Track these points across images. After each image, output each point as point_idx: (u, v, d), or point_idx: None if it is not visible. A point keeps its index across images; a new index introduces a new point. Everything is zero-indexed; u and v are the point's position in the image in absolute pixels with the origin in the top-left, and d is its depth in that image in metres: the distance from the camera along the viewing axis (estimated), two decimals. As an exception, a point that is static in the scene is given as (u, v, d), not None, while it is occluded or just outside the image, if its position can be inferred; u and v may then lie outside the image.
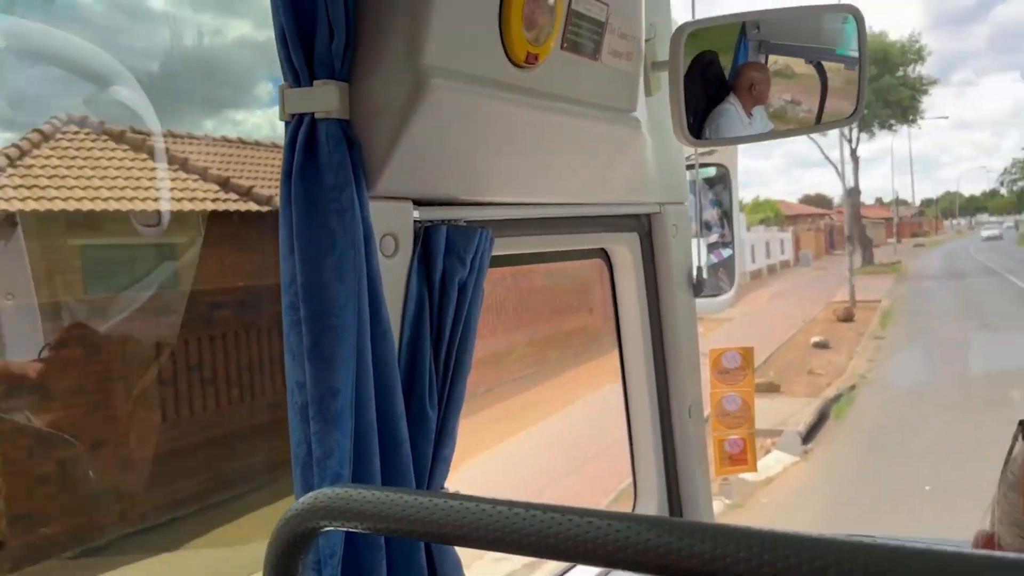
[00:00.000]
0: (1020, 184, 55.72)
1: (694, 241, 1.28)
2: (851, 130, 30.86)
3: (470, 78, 0.73)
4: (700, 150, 1.22)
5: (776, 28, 1.01)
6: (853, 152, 31.72)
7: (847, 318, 15.54)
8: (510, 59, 0.76)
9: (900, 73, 30.58)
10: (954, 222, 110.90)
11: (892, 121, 31.61)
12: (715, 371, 1.22)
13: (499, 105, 0.77)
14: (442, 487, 0.77)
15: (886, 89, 29.90)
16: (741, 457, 1.23)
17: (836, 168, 30.77)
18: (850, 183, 31.04)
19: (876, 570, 0.27)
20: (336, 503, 0.38)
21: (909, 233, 71.77)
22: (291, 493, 0.68)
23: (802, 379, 10.30)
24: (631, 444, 1.16)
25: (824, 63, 1.05)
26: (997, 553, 0.29)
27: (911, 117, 32.22)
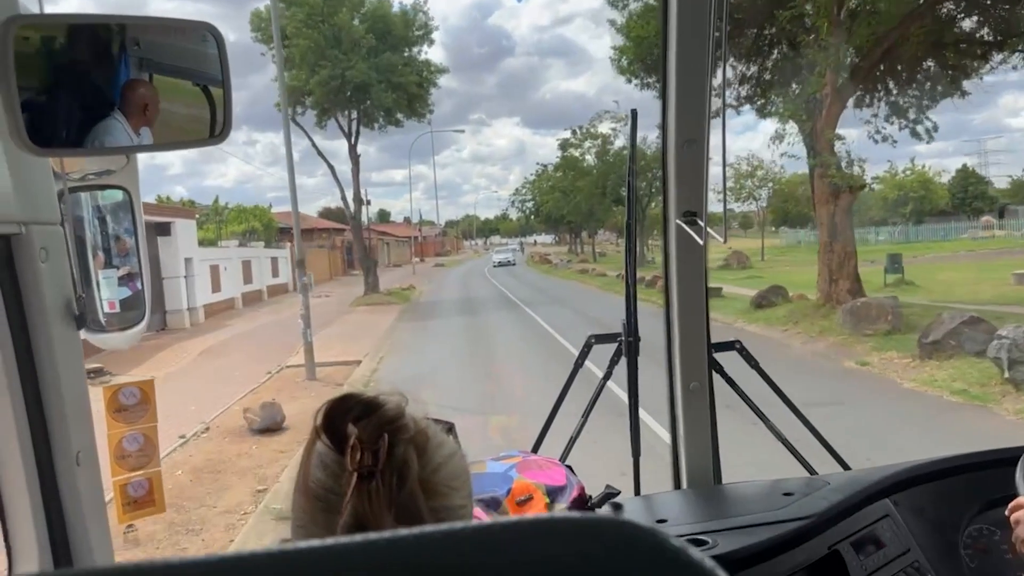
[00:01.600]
0: (528, 205, 71.39)
1: (103, 272, 1.39)
2: (350, 123, 31.92)
3: None
4: (89, 168, 1.35)
5: (148, 42, 1.20)
6: (352, 149, 32.38)
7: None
8: None
9: (407, 53, 31.74)
10: (473, 243, 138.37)
11: (399, 114, 32.31)
12: (111, 409, 1.36)
13: None
14: None
15: (389, 68, 30.61)
16: (148, 499, 1.41)
17: (335, 176, 30.97)
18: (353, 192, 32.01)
19: None
20: None
21: (433, 252, 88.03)
22: None
23: None
24: (1, 510, 1.20)
25: (207, 84, 1.28)
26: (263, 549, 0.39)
27: (420, 110, 32.96)
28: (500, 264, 60.36)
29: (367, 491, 0.77)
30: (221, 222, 37.06)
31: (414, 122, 34.47)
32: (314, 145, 31.75)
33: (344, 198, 32.74)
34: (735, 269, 35.91)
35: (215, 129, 1.35)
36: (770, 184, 47.34)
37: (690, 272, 2.33)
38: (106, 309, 1.43)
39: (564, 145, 52.23)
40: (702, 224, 2.20)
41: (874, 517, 1.96)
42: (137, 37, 1.28)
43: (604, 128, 46.16)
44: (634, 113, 2.85)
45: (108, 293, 1.46)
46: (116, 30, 1.20)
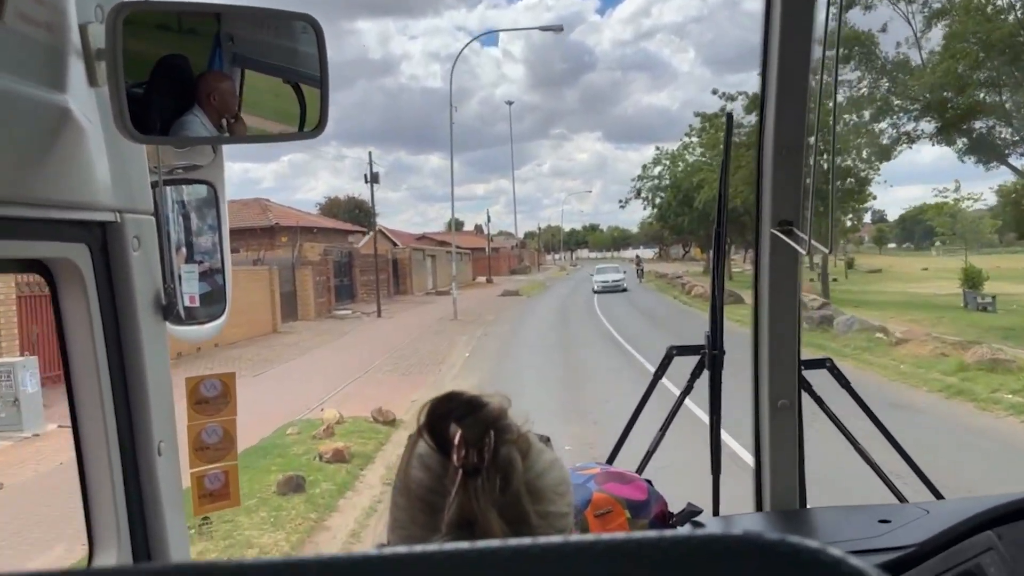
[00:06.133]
0: (661, 194, 58.59)
1: (185, 267, 1.51)
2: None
3: None
4: (177, 162, 1.47)
5: (243, 37, 1.32)
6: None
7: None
8: None
9: None
10: (556, 256, 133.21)
11: None
12: (192, 401, 1.47)
13: None
14: None
15: None
16: (223, 492, 1.51)
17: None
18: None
19: None
20: None
21: (508, 269, 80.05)
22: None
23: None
24: (84, 494, 1.31)
25: (300, 81, 1.39)
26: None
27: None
28: None
29: (473, 488, 0.81)
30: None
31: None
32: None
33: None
34: None
35: (304, 125, 1.46)
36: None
37: (783, 284, 2.36)
38: (186, 303, 1.55)
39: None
40: (799, 234, 2.24)
41: (978, 549, 1.95)
42: (232, 32, 1.40)
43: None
44: (729, 117, 2.93)
45: (189, 287, 1.58)
46: (213, 22, 1.32)
